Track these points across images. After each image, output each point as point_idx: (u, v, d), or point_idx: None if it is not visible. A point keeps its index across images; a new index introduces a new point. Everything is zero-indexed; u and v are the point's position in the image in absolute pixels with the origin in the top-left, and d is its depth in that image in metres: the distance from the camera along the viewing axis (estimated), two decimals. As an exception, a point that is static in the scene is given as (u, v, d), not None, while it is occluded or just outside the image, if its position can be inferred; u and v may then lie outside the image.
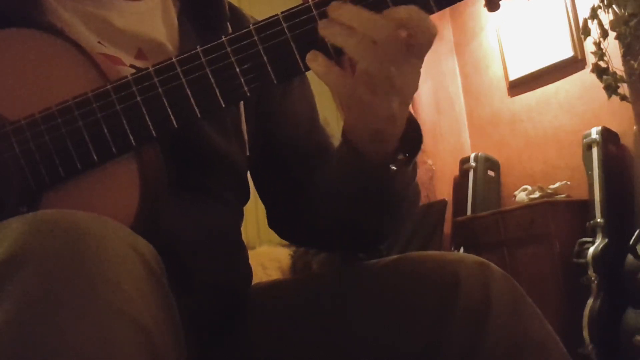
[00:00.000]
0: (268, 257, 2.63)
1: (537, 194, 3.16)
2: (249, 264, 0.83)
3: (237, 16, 0.83)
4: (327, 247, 0.91)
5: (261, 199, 0.87)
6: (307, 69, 0.61)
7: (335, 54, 0.60)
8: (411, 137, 0.68)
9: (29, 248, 0.45)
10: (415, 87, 0.63)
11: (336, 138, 0.85)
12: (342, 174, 0.72)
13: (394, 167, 0.67)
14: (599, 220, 2.84)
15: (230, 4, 0.84)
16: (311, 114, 0.86)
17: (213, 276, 0.73)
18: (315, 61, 0.60)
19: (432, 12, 0.60)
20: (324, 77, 0.60)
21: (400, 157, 0.68)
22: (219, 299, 0.74)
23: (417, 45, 0.59)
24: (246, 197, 0.83)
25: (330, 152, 0.83)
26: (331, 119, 3.72)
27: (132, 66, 0.72)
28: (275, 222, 0.86)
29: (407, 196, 0.73)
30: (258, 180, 0.87)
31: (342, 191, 0.72)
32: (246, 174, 0.82)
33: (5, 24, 0.66)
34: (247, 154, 0.80)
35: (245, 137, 0.79)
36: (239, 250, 0.81)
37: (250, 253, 0.84)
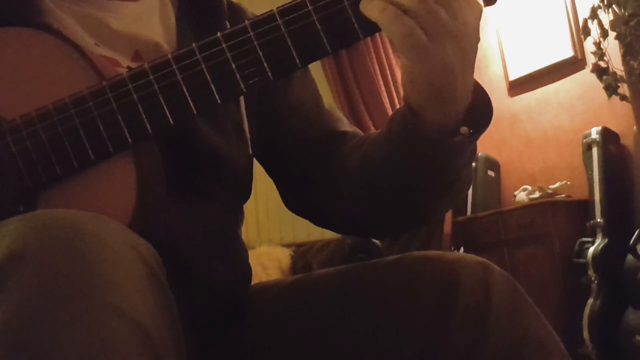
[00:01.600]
0: (268, 257, 2.63)
1: (537, 194, 3.16)
2: (248, 264, 0.83)
3: (236, 13, 0.82)
4: (353, 232, 0.87)
5: (276, 185, 0.86)
6: (304, 64, 0.60)
7: (331, 48, 0.59)
8: (478, 112, 0.65)
9: (28, 248, 0.45)
10: (473, 36, 0.59)
11: (344, 121, 0.84)
12: (392, 146, 0.68)
13: (455, 140, 0.64)
14: (599, 220, 2.84)
15: (229, 2, 0.83)
16: (316, 100, 0.85)
17: (212, 276, 0.73)
18: (370, 3, 0.57)
19: None
20: (379, 19, 0.57)
21: (464, 129, 0.64)
22: (219, 299, 0.74)
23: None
24: (246, 196, 0.83)
25: (345, 134, 0.81)
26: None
27: (128, 68, 0.72)
28: (294, 206, 0.84)
29: (462, 178, 0.70)
30: (270, 170, 0.85)
31: (388, 169, 0.69)
32: (246, 173, 0.81)
33: (2, 24, 0.65)
34: (250, 152, 0.80)
35: (248, 135, 0.79)
36: (239, 250, 0.81)
37: (250, 253, 0.83)
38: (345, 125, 0.84)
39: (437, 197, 0.72)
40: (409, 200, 0.71)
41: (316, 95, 0.85)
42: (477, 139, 0.67)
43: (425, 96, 0.62)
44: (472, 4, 0.59)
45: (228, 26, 0.78)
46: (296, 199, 0.84)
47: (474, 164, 3.52)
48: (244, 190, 0.82)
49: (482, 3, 0.62)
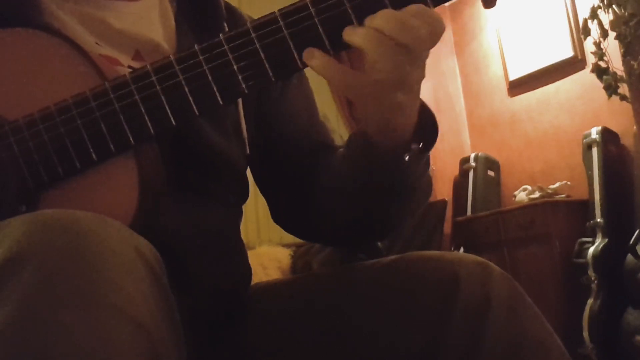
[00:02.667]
0: (268, 257, 2.63)
1: (537, 194, 3.16)
2: (248, 264, 0.83)
3: (234, 16, 0.83)
4: (333, 242, 0.90)
5: (263, 194, 0.87)
6: (305, 66, 0.60)
7: (333, 50, 0.60)
8: (426, 127, 0.68)
9: (30, 247, 0.45)
10: (420, 75, 0.62)
11: (336, 133, 0.85)
12: (353, 165, 0.72)
13: (407, 158, 0.67)
14: (599, 220, 2.84)
15: (227, 4, 0.83)
16: (310, 110, 0.86)
17: (212, 276, 0.73)
18: (313, 58, 0.59)
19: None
20: (322, 72, 0.60)
21: (414, 147, 0.67)
22: (219, 299, 0.74)
23: (430, 39, 0.59)
24: (245, 197, 0.83)
25: (331, 147, 0.83)
26: (331, 116, 3.72)
27: (129, 67, 0.72)
28: (279, 217, 0.86)
29: (420, 187, 0.73)
30: (259, 177, 0.86)
31: (352, 184, 0.72)
32: (245, 173, 0.82)
33: (2, 24, 0.65)
34: (247, 152, 0.80)
35: (245, 135, 0.79)
36: (239, 250, 0.81)
37: (250, 253, 0.83)
38: (335, 138, 0.86)
39: (398, 209, 0.74)
40: (372, 213, 0.74)
41: (311, 105, 0.87)
42: (428, 151, 0.70)
43: (376, 129, 0.66)
44: (427, 54, 0.61)
45: (226, 28, 0.78)
46: (282, 210, 0.85)
47: (473, 164, 3.54)
48: (244, 190, 0.82)
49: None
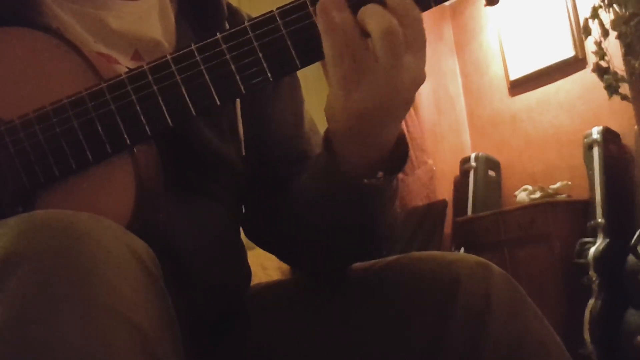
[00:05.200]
0: (268, 257, 2.62)
1: (537, 194, 3.16)
2: (248, 265, 0.82)
3: (235, 17, 0.82)
4: (296, 263, 0.85)
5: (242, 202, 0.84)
6: (303, 65, 0.60)
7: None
8: (395, 160, 0.66)
9: (25, 248, 0.45)
10: (404, 93, 0.59)
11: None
12: (317, 182, 0.70)
13: (367, 181, 0.64)
14: (599, 220, 2.84)
15: (228, 4, 0.83)
16: (296, 119, 0.84)
17: (212, 277, 0.72)
18: (323, 15, 0.57)
19: (429, 7, 0.59)
20: (323, 35, 0.58)
21: (380, 174, 0.65)
22: (218, 300, 0.74)
23: (410, 39, 0.57)
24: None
25: (308, 161, 0.80)
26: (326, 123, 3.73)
27: (128, 68, 0.71)
28: (251, 228, 0.83)
29: (384, 220, 0.70)
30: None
31: (317, 204, 0.70)
32: (243, 173, 0.81)
33: (1, 23, 0.65)
34: (243, 153, 0.79)
35: (242, 136, 0.79)
36: (238, 251, 0.80)
37: (250, 253, 0.83)
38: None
39: (359, 234, 0.71)
40: (333, 235, 0.71)
41: (299, 113, 0.84)
42: (391, 182, 0.67)
43: (344, 137, 0.63)
44: (410, 67, 0.58)
45: (227, 27, 0.78)
46: (252, 221, 0.83)
47: (474, 164, 3.54)
48: (242, 190, 0.82)
49: (424, 74, 0.60)
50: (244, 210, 0.83)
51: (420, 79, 0.59)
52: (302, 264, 0.83)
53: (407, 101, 0.61)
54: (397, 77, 0.57)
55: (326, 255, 0.74)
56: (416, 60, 0.58)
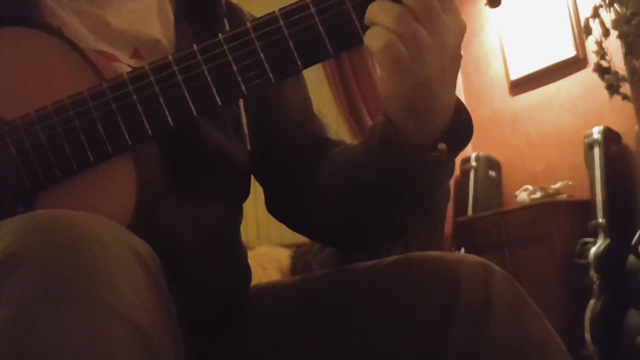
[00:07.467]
0: (268, 257, 2.63)
1: (538, 194, 3.15)
2: (248, 265, 0.83)
3: (234, 13, 0.82)
4: (326, 240, 0.87)
5: (261, 185, 0.86)
6: (305, 67, 0.60)
7: (333, 49, 0.59)
8: (458, 130, 0.66)
9: (26, 248, 0.45)
10: (453, 54, 0.61)
11: (332, 128, 0.85)
12: (368, 157, 0.69)
13: (433, 154, 0.64)
14: (600, 220, 2.84)
15: (227, 1, 0.83)
16: (304, 104, 0.85)
17: (212, 277, 0.72)
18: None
19: None
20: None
21: (441, 146, 0.64)
22: (218, 300, 0.74)
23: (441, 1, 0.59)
24: (245, 195, 0.83)
25: (327, 140, 0.82)
26: (331, 115, 3.70)
27: (128, 65, 0.72)
28: (274, 208, 0.85)
29: (437, 194, 0.70)
30: (257, 169, 0.86)
31: (359, 180, 0.70)
32: (246, 171, 0.81)
33: (1, 22, 0.65)
34: (248, 148, 0.80)
35: (246, 131, 0.79)
36: (238, 251, 0.81)
37: (250, 253, 0.83)
38: (331, 132, 0.85)
39: (411, 212, 0.72)
40: (383, 212, 0.72)
41: (306, 98, 0.86)
42: (455, 156, 0.67)
43: (403, 109, 0.63)
44: (450, 25, 0.60)
45: (226, 24, 0.78)
46: (277, 201, 0.85)
47: (474, 164, 3.53)
48: (244, 188, 0.82)
49: (464, 23, 0.63)
50: (265, 195, 0.85)
51: (460, 31, 0.63)
52: (329, 239, 0.85)
53: (456, 57, 0.63)
54: (443, 37, 0.60)
55: (360, 232, 0.75)
56: (452, 16, 0.61)
